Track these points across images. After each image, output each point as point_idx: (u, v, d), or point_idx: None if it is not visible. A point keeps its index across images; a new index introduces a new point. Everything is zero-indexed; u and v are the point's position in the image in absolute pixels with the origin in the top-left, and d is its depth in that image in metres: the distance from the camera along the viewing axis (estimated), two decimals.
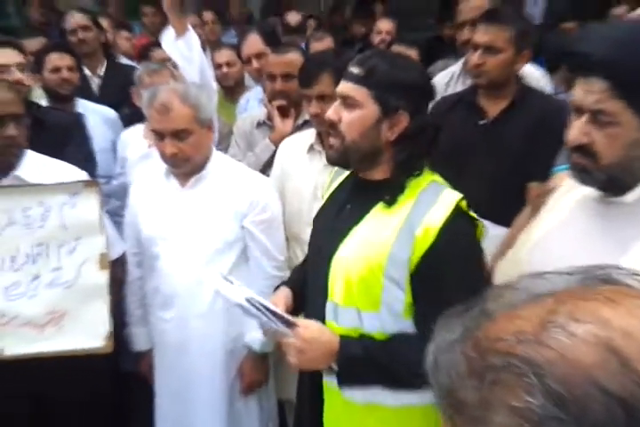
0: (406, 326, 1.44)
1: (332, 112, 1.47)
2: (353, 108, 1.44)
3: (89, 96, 3.42)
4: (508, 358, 0.46)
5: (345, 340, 1.42)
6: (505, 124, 2.30)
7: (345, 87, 1.46)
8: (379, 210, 1.46)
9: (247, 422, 2.17)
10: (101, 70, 3.61)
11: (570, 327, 0.46)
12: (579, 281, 0.51)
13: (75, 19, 3.60)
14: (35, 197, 1.90)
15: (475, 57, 2.30)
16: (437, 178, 1.50)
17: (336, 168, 1.69)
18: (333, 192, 1.65)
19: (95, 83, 3.59)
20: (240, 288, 1.45)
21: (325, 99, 2.00)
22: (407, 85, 1.43)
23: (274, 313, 1.39)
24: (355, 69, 1.45)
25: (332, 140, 1.48)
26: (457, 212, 1.39)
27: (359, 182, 1.55)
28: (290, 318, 1.41)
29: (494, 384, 0.46)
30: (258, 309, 1.37)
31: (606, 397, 0.42)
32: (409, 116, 1.43)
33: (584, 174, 1.24)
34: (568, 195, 1.36)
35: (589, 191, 1.28)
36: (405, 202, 1.43)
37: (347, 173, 1.63)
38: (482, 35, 2.30)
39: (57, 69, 2.97)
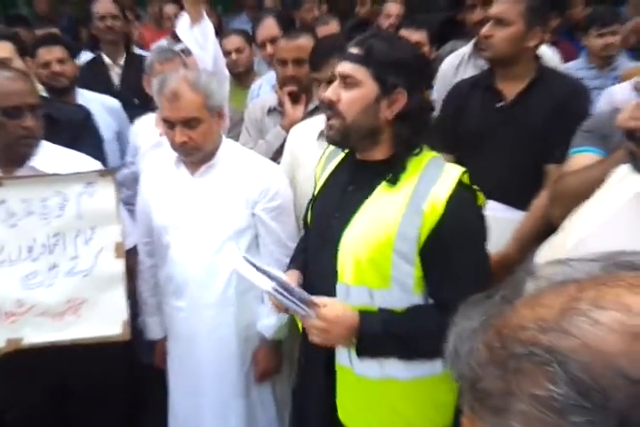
0: (417, 300, 1.48)
1: (330, 92, 1.50)
2: (352, 87, 1.47)
3: (108, 85, 3.42)
4: (530, 347, 0.45)
5: (364, 315, 1.45)
6: (523, 107, 2.27)
7: (344, 67, 1.49)
8: (382, 189, 1.49)
9: (262, 410, 2.17)
10: (121, 60, 3.60)
11: (593, 314, 0.45)
12: (602, 268, 0.50)
13: (105, 6, 3.60)
14: (52, 186, 1.91)
15: (485, 28, 2.31)
16: (437, 155, 1.54)
17: (329, 150, 1.71)
18: (331, 175, 1.66)
19: (116, 72, 3.57)
20: (262, 269, 1.48)
21: None
22: (405, 64, 1.46)
23: (294, 293, 1.41)
24: (354, 50, 1.48)
25: (332, 121, 1.50)
26: (460, 185, 1.44)
27: (359, 163, 1.57)
28: (311, 297, 1.42)
29: (516, 373, 0.45)
30: (282, 290, 1.39)
31: (631, 385, 0.41)
32: (407, 95, 1.46)
33: (634, 162, 1.20)
34: (622, 184, 1.31)
35: None
36: (408, 179, 1.47)
37: (341, 155, 1.65)
38: (494, 7, 2.32)
39: (46, 64, 2.90)
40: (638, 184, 1.25)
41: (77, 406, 2.13)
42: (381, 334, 1.43)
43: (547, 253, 1.46)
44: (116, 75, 3.56)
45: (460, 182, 1.44)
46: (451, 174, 1.45)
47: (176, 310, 2.12)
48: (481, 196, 1.49)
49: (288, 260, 2.08)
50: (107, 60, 3.57)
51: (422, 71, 1.53)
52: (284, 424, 2.20)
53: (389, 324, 1.44)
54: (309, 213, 1.69)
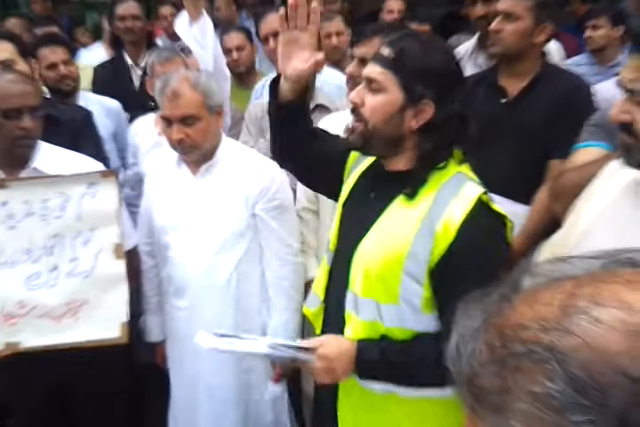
0: (426, 320, 1.41)
1: (355, 95, 1.42)
2: (377, 92, 1.39)
3: (128, 86, 3.40)
4: (530, 346, 0.45)
5: (362, 343, 1.41)
6: (526, 103, 2.27)
7: (372, 70, 1.41)
8: (400, 202, 1.42)
9: (259, 410, 2.16)
10: (143, 61, 3.54)
11: (593, 312, 0.44)
12: (601, 265, 0.49)
13: (126, 6, 3.57)
14: (55, 188, 1.91)
15: (493, 23, 2.30)
16: (464, 169, 1.44)
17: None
18: (358, 179, 1.59)
19: (136, 73, 3.53)
20: (240, 336, 1.43)
21: (365, 63, 1.96)
22: (435, 73, 1.36)
23: (292, 347, 1.40)
24: (385, 51, 1.39)
25: (355, 124, 1.43)
26: (479, 206, 1.35)
27: (382, 172, 1.50)
28: (306, 345, 1.41)
29: (516, 371, 0.45)
30: (277, 345, 1.38)
31: (632, 384, 0.41)
32: (434, 106, 1.37)
33: (627, 154, 1.20)
34: (613, 178, 1.31)
35: (637, 175, 1.24)
36: (426, 195, 1.39)
37: (370, 158, 1.56)
38: (502, 1, 2.31)
39: (53, 65, 2.87)
40: (631, 177, 1.25)
41: (79, 407, 2.13)
42: (378, 361, 1.39)
43: (548, 249, 1.45)
44: (136, 76, 3.53)
45: (478, 204, 1.35)
46: (469, 195, 1.36)
47: (176, 310, 2.12)
48: (508, 220, 1.39)
49: (292, 258, 2.08)
50: (128, 60, 3.55)
51: (454, 81, 1.42)
52: (280, 423, 2.20)
53: (387, 352, 1.40)
54: (339, 209, 1.63)
